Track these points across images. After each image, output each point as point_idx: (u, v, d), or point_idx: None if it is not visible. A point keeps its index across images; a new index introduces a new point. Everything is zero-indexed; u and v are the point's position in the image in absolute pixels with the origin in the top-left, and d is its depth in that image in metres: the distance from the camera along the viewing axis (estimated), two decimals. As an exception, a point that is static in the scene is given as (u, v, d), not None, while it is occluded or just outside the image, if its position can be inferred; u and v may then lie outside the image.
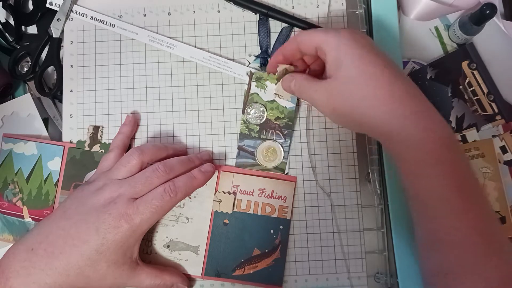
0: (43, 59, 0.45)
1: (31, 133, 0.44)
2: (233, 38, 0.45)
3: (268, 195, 0.42)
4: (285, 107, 0.42)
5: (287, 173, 0.43)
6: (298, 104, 0.43)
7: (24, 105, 0.44)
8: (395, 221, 0.41)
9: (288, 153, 0.43)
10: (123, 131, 0.42)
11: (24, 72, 0.46)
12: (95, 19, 0.45)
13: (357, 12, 0.44)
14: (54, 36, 0.45)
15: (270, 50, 0.44)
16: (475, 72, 0.45)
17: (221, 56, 0.44)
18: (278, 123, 0.42)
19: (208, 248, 0.41)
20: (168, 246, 0.41)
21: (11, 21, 0.46)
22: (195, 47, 0.44)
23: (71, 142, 0.43)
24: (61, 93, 0.44)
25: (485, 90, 0.45)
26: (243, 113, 0.43)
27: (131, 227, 0.35)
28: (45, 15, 0.46)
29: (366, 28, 0.44)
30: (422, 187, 0.32)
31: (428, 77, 0.45)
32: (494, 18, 0.43)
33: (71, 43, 0.45)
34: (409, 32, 0.47)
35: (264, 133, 0.42)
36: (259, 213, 0.42)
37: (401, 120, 0.32)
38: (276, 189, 0.42)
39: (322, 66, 0.40)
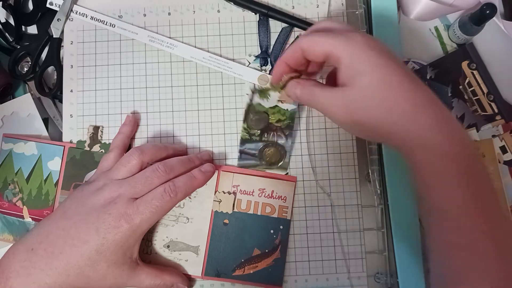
0: (43, 59, 0.45)
1: (31, 133, 0.44)
2: (233, 38, 0.45)
3: (268, 195, 0.42)
4: (287, 109, 0.42)
5: (287, 173, 0.43)
6: (299, 105, 0.43)
7: (24, 105, 0.44)
8: (395, 221, 0.41)
9: (289, 154, 0.43)
10: (123, 131, 0.42)
11: (24, 72, 0.46)
12: (95, 19, 0.45)
13: (357, 12, 0.45)
14: (54, 36, 0.45)
15: (270, 50, 0.44)
16: (475, 72, 0.45)
17: (221, 56, 0.44)
18: (279, 125, 0.42)
19: (208, 248, 0.41)
20: (168, 246, 0.41)
21: (11, 21, 0.46)
22: (195, 47, 0.44)
23: (71, 142, 0.43)
24: (61, 93, 0.44)
25: (485, 90, 0.45)
26: (244, 122, 0.42)
27: (131, 227, 0.35)
28: (45, 15, 0.46)
29: (366, 28, 0.44)
30: (443, 197, 0.31)
31: (428, 77, 0.45)
32: (494, 18, 0.43)
33: (71, 43, 0.45)
34: (409, 32, 0.47)
35: (266, 135, 0.42)
36: (259, 213, 0.42)
37: (426, 129, 0.31)
38: (276, 189, 0.42)
39: (319, 69, 0.39)
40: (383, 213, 0.42)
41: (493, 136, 0.44)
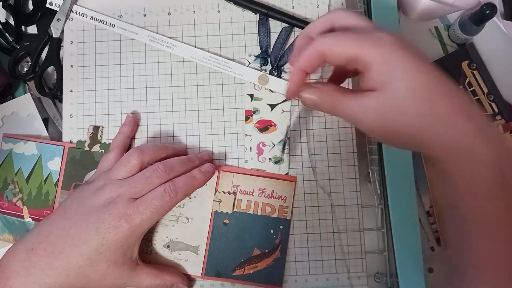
0: (43, 59, 0.45)
1: (31, 133, 0.44)
2: (233, 38, 0.45)
3: (268, 195, 0.42)
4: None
5: (287, 173, 0.43)
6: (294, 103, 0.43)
7: (24, 105, 0.44)
8: (395, 221, 0.41)
9: (289, 154, 0.43)
10: (123, 131, 0.42)
11: (24, 72, 0.46)
12: (95, 19, 0.45)
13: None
14: (54, 36, 0.45)
15: (270, 50, 0.44)
16: (475, 72, 0.45)
17: (221, 56, 0.44)
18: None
19: (208, 248, 0.41)
20: (168, 246, 0.41)
21: (11, 21, 0.46)
22: (195, 47, 0.44)
23: (71, 142, 0.43)
24: (61, 93, 0.44)
25: (485, 90, 0.45)
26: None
27: (131, 227, 0.35)
28: (45, 15, 0.46)
29: (366, 28, 0.44)
30: (478, 206, 0.30)
31: (428, 77, 0.45)
32: (494, 18, 0.43)
33: (71, 43, 0.45)
34: (409, 32, 0.47)
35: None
36: (259, 213, 0.42)
37: (469, 137, 0.29)
38: (276, 189, 0.42)
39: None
40: (383, 213, 0.42)
41: (493, 136, 0.44)
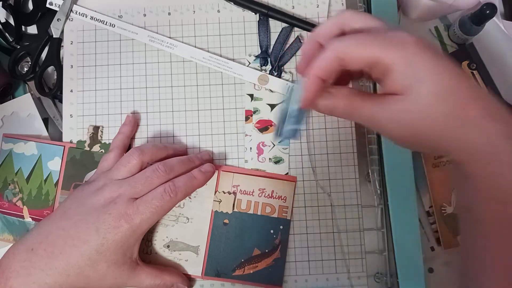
0: (43, 59, 0.45)
1: (31, 133, 0.44)
2: (233, 38, 0.45)
3: (268, 195, 0.42)
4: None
5: (287, 173, 0.43)
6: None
7: (24, 105, 0.44)
8: (395, 221, 0.41)
9: (289, 154, 0.43)
10: (123, 131, 0.42)
11: (24, 72, 0.46)
12: (95, 19, 0.45)
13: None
14: (54, 36, 0.45)
15: (270, 50, 0.44)
16: (475, 72, 0.45)
17: (221, 56, 0.44)
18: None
19: (208, 248, 0.41)
20: (168, 246, 0.41)
21: (11, 21, 0.46)
22: (195, 47, 0.44)
23: (71, 142, 0.43)
24: (61, 93, 0.44)
25: (485, 90, 0.45)
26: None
27: (131, 227, 0.35)
28: (45, 15, 0.46)
29: (366, 28, 0.44)
30: (506, 213, 0.29)
31: (428, 77, 0.45)
32: (494, 18, 0.43)
33: (71, 43, 0.45)
34: (409, 32, 0.47)
35: None
36: (259, 213, 0.42)
37: (495, 140, 0.28)
38: (276, 189, 0.42)
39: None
40: (383, 213, 0.42)
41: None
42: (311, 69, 0.29)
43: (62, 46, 0.45)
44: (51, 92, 0.45)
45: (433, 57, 0.28)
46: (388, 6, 0.44)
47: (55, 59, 0.45)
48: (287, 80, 0.43)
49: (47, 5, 0.45)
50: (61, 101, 0.45)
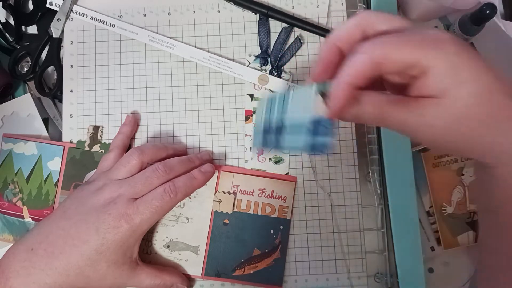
0: (43, 59, 0.45)
1: (31, 133, 0.44)
2: (233, 38, 0.45)
3: (268, 195, 0.42)
4: None
5: (287, 173, 0.43)
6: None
7: (24, 105, 0.44)
8: (395, 221, 0.41)
9: (289, 154, 0.43)
10: (123, 131, 0.42)
11: (24, 72, 0.46)
12: (95, 19, 0.45)
13: (357, 12, 0.45)
14: (54, 36, 0.45)
15: (270, 50, 0.44)
16: (475, 72, 0.45)
17: (221, 56, 0.44)
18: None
19: (208, 248, 0.41)
20: (168, 246, 0.41)
21: (11, 21, 0.46)
22: (195, 47, 0.44)
23: (71, 142, 0.43)
24: (61, 93, 0.44)
25: (485, 90, 0.45)
26: None
27: (131, 227, 0.35)
28: (45, 15, 0.46)
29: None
30: None
31: (428, 77, 0.45)
32: (494, 18, 0.43)
33: (71, 43, 0.45)
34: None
35: None
36: (259, 213, 0.42)
37: None
38: (276, 189, 0.42)
39: None
40: (383, 213, 0.42)
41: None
42: (341, 75, 0.26)
43: (62, 46, 0.45)
44: (51, 92, 0.45)
45: (473, 57, 0.26)
46: (388, 6, 0.44)
47: (55, 59, 0.45)
48: (287, 80, 0.43)
49: (47, 5, 0.45)
50: (61, 101, 0.45)
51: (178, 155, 0.41)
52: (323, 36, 0.44)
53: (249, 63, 0.44)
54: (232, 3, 0.45)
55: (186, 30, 0.45)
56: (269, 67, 0.44)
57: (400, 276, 0.40)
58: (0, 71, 0.45)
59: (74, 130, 0.43)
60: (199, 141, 0.43)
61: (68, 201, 0.38)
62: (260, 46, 0.44)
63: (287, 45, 0.44)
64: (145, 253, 0.41)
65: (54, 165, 0.43)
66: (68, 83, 0.44)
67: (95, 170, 0.41)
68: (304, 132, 0.28)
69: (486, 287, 0.33)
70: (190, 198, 0.42)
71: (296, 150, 0.30)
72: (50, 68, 0.45)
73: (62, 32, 0.45)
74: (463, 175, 0.44)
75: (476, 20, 0.43)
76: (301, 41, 0.44)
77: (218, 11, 0.45)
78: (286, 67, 0.44)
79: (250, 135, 0.43)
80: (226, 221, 0.41)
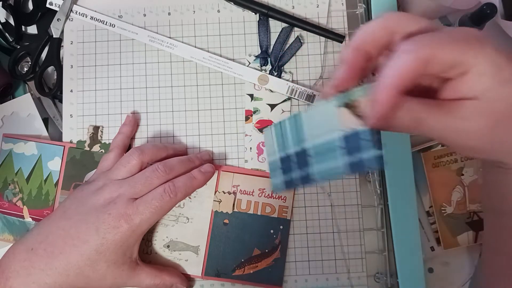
0: (43, 59, 0.45)
1: (31, 133, 0.44)
2: (233, 38, 0.45)
3: (268, 195, 0.42)
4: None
5: (287, 173, 0.43)
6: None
7: (24, 105, 0.44)
8: (395, 221, 0.41)
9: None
10: (123, 131, 0.42)
11: (24, 72, 0.46)
12: (95, 19, 0.45)
13: (357, 12, 0.45)
14: (54, 36, 0.45)
15: (270, 50, 0.44)
16: (475, 72, 0.45)
17: (221, 56, 0.44)
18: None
19: (208, 248, 0.41)
20: (168, 246, 0.41)
21: (11, 21, 0.46)
22: (195, 47, 0.44)
23: (71, 142, 0.43)
24: (61, 93, 0.44)
25: (485, 90, 0.45)
26: None
27: (131, 227, 0.35)
28: (45, 15, 0.46)
29: (366, 28, 0.44)
30: None
31: (428, 77, 0.45)
32: (494, 18, 0.43)
33: (71, 43, 0.45)
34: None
35: None
36: (259, 213, 0.42)
37: None
38: (276, 189, 0.42)
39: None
40: (383, 213, 0.42)
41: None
42: (385, 77, 0.24)
43: (62, 46, 0.45)
44: (51, 92, 0.45)
45: (508, 54, 0.25)
46: (388, 6, 0.44)
47: (55, 59, 0.45)
48: (287, 80, 0.43)
49: (47, 5, 0.45)
50: (61, 101, 0.45)
51: (178, 155, 0.41)
52: (323, 36, 0.44)
53: (249, 63, 0.44)
54: (232, 3, 0.45)
55: (186, 30, 0.45)
56: (269, 67, 0.44)
57: (400, 276, 0.40)
58: (0, 71, 0.45)
59: (74, 130, 0.43)
60: (199, 141, 0.43)
61: (68, 201, 0.38)
62: (260, 46, 0.44)
63: (287, 45, 0.44)
64: (145, 253, 0.41)
65: (54, 165, 0.43)
66: (68, 83, 0.44)
67: (95, 170, 0.41)
68: (337, 154, 0.25)
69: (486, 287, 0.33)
70: (190, 198, 0.42)
71: (334, 176, 0.26)
72: (50, 68, 0.45)
73: (62, 32, 0.45)
74: (463, 175, 0.44)
75: (476, 20, 0.43)
76: (301, 41, 0.44)
77: (218, 11, 0.45)
78: (286, 67, 0.44)
79: (250, 135, 0.43)
80: (226, 221, 0.42)
